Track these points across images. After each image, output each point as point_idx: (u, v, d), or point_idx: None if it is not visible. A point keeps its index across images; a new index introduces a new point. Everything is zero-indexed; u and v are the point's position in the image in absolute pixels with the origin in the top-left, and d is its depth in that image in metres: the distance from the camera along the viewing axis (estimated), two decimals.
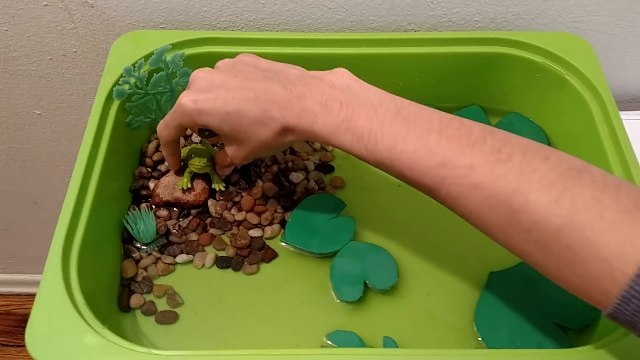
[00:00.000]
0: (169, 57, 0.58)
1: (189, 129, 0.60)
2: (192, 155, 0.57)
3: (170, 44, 0.59)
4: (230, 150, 0.51)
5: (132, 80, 0.57)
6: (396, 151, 0.43)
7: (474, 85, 0.67)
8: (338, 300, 0.54)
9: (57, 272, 0.45)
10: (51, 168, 0.93)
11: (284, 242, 0.57)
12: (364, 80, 0.65)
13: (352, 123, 0.44)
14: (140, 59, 0.58)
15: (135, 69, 0.57)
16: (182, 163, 0.61)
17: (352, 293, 0.53)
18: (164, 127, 0.53)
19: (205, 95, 0.48)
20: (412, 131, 0.42)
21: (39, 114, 0.82)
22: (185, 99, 0.48)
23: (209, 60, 0.62)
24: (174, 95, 0.61)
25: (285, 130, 0.47)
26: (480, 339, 0.50)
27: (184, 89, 0.61)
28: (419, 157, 0.42)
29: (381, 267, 0.54)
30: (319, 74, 0.48)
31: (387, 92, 0.47)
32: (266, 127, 0.47)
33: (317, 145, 0.66)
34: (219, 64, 0.51)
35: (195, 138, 0.64)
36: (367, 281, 0.54)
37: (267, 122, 0.46)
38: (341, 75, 0.48)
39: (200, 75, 0.49)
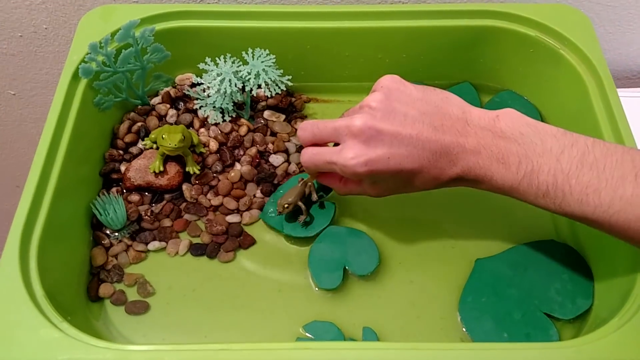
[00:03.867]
0: (137, 32, 0.55)
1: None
2: (163, 136, 0.53)
3: (139, 19, 0.56)
4: (376, 190, 0.48)
5: (100, 57, 0.54)
6: (589, 206, 0.39)
7: (465, 61, 0.63)
8: (317, 289, 0.51)
9: (14, 263, 0.43)
10: (32, 150, 0.90)
11: (261, 217, 0.55)
12: (348, 55, 0.63)
13: (534, 179, 0.40)
14: (108, 35, 0.55)
15: (102, 45, 0.54)
16: (154, 145, 0.58)
17: (331, 280, 0.50)
18: (312, 162, 0.48)
19: (376, 153, 0.43)
20: (603, 182, 0.38)
21: (14, 94, 0.79)
22: (355, 160, 0.43)
23: (182, 36, 0.59)
24: (145, 73, 0.58)
25: (457, 181, 0.44)
26: (464, 329, 0.48)
27: (155, 66, 0.59)
28: (615, 211, 0.38)
29: (361, 251, 0.52)
30: (485, 119, 0.43)
31: (561, 129, 0.42)
32: (436, 181, 0.44)
33: None
34: (372, 101, 0.45)
35: (170, 118, 0.60)
36: (346, 267, 0.51)
37: (440, 178, 0.44)
38: (510, 120, 0.43)
39: (363, 123, 0.43)
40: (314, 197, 0.54)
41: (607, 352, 0.40)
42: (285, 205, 0.52)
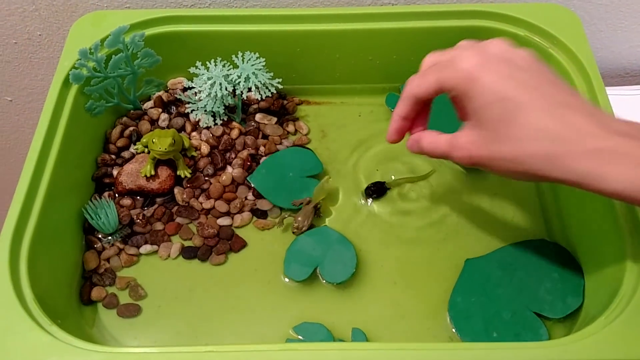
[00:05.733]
0: (127, 37, 0.55)
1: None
2: (154, 140, 0.54)
3: (129, 24, 0.56)
4: (466, 137, 0.41)
5: (90, 63, 0.55)
6: None
7: None
8: (284, 277, 0.52)
9: (3, 267, 0.43)
10: None
11: (248, 179, 0.57)
12: (338, 57, 0.63)
13: None
14: (98, 41, 0.55)
15: (92, 51, 0.54)
16: (146, 149, 0.58)
17: (298, 273, 0.51)
18: (417, 77, 0.43)
19: (494, 66, 0.39)
20: None
21: (11, 101, 0.80)
22: (467, 55, 0.39)
23: (172, 41, 0.59)
24: (136, 78, 0.58)
25: (579, 162, 0.35)
26: (454, 329, 0.48)
27: (146, 70, 0.59)
28: None
29: (339, 261, 0.51)
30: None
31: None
32: (549, 143, 0.36)
33: (292, 128, 0.63)
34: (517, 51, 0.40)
35: (162, 122, 0.61)
36: (319, 268, 0.51)
37: (557, 138, 0.36)
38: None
39: (499, 47, 0.40)
40: (319, 214, 0.56)
41: (595, 350, 0.39)
42: (304, 229, 0.53)
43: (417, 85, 0.43)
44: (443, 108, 0.62)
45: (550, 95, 0.37)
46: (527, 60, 0.40)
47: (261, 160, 0.59)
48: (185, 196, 0.57)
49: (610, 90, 0.54)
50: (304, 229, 0.53)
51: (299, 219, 0.53)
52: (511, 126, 0.37)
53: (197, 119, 0.61)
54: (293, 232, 0.53)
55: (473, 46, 0.41)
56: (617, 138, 0.35)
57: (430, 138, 0.45)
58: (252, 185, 0.57)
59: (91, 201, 0.54)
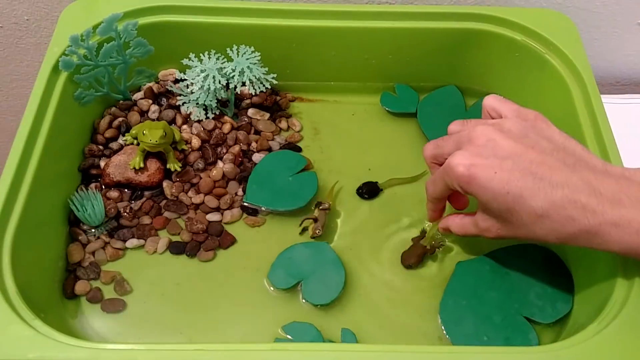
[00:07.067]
0: (120, 26, 0.54)
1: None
2: (144, 132, 0.53)
3: (122, 12, 0.55)
4: (485, 222, 0.44)
5: (81, 50, 0.53)
6: None
7: (451, 64, 0.63)
8: (272, 289, 0.51)
9: None
10: (12, 144, 0.89)
11: (246, 202, 0.55)
12: (334, 54, 0.62)
13: None
14: (90, 28, 0.54)
15: (84, 38, 0.53)
16: (135, 141, 0.57)
17: (280, 280, 0.50)
18: (431, 182, 0.48)
19: (484, 162, 0.40)
20: None
21: None
22: (458, 160, 0.41)
23: (166, 31, 0.58)
24: (127, 67, 0.57)
25: (585, 235, 0.39)
26: (444, 332, 0.48)
27: (138, 60, 0.58)
28: None
29: (325, 283, 0.50)
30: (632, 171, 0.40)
31: None
32: (555, 224, 0.39)
33: (284, 125, 0.62)
34: (509, 124, 0.42)
35: (152, 114, 0.60)
36: (302, 283, 0.50)
37: (559, 221, 0.39)
38: None
39: (484, 134, 0.41)
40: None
41: (585, 357, 0.39)
42: (318, 232, 0.53)
43: (432, 191, 0.48)
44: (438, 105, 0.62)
45: (541, 178, 0.39)
46: (514, 137, 0.41)
47: (253, 157, 0.58)
48: (174, 190, 0.55)
49: (602, 99, 0.54)
50: (319, 232, 0.53)
51: (320, 223, 0.53)
52: (515, 215, 0.40)
53: (188, 112, 0.59)
54: (313, 237, 0.53)
55: (461, 141, 0.43)
56: (611, 212, 0.38)
57: (458, 223, 0.48)
58: (249, 205, 0.55)
59: (77, 192, 0.53)
